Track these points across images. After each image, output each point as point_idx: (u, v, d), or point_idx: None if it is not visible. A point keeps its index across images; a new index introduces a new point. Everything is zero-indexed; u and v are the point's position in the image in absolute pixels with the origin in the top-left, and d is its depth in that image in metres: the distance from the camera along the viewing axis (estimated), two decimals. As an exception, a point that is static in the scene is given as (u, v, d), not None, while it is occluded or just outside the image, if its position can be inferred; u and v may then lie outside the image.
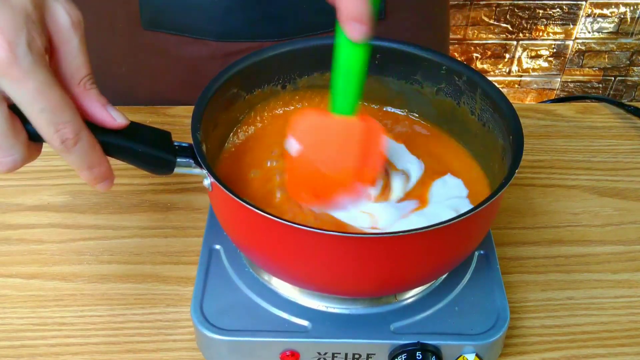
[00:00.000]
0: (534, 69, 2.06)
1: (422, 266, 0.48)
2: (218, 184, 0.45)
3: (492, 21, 1.94)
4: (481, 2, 1.90)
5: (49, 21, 0.40)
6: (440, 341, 0.50)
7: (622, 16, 1.94)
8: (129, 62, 0.80)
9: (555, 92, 2.12)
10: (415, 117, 0.62)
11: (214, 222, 0.59)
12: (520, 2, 1.90)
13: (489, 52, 2.02)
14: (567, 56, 2.03)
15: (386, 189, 0.53)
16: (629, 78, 2.09)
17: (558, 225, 0.68)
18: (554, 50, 2.02)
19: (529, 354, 0.56)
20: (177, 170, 0.47)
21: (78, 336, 0.56)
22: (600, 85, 2.11)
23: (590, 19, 1.94)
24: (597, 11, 1.93)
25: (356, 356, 0.51)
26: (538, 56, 2.03)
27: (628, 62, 2.05)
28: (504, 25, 1.95)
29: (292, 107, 0.61)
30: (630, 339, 0.57)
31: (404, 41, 0.57)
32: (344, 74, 0.47)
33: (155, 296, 0.59)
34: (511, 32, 1.97)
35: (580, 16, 1.94)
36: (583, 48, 2.01)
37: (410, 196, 0.54)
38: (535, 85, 2.11)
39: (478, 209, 0.44)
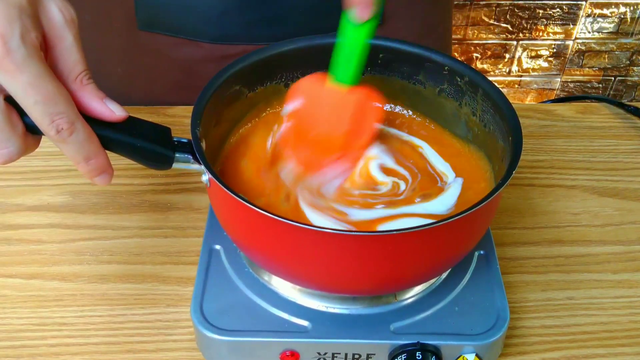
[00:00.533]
0: (534, 69, 2.06)
1: (421, 264, 0.48)
2: (215, 180, 0.45)
3: (492, 21, 1.94)
4: (481, 2, 1.90)
5: (43, 19, 0.41)
6: (440, 341, 0.50)
7: (622, 16, 1.94)
8: (125, 62, 0.80)
9: (555, 92, 2.12)
10: (418, 117, 0.62)
11: (214, 222, 0.59)
12: (520, 2, 1.90)
13: (489, 52, 2.02)
14: (567, 56, 2.03)
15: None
16: (629, 78, 2.09)
17: (558, 225, 0.68)
18: (554, 50, 2.02)
19: (529, 354, 0.56)
20: (175, 165, 0.47)
21: (78, 336, 0.56)
22: (600, 85, 2.11)
23: (590, 19, 1.94)
24: (597, 11, 1.93)
25: (356, 356, 0.51)
26: (538, 56, 2.03)
27: (628, 62, 2.05)
28: (504, 25, 1.95)
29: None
30: (630, 339, 0.57)
31: (407, 41, 0.57)
32: (347, 48, 0.51)
33: (155, 296, 0.59)
34: (511, 32, 1.97)
35: (580, 16, 1.94)
36: (583, 48, 2.01)
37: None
38: (535, 85, 2.10)
39: (472, 210, 0.44)
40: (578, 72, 2.08)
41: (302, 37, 0.57)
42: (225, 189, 0.44)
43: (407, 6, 0.77)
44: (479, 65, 2.03)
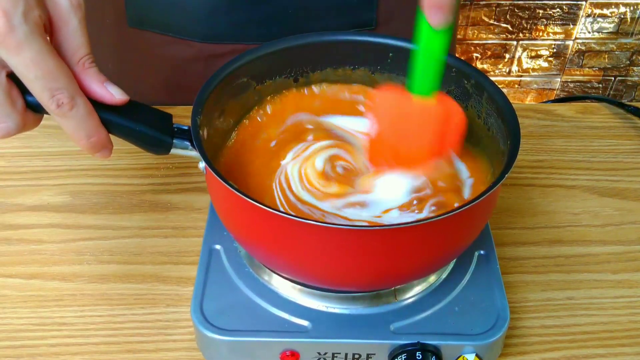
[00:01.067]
0: (534, 69, 2.06)
1: (418, 259, 0.48)
2: (209, 167, 0.46)
3: (492, 21, 1.94)
4: (481, 2, 1.90)
5: (49, 2, 0.42)
6: (440, 341, 0.50)
7: (622, 16, 1.94)
8: (115, 59, 0.81)
9: (555, 92, 2.12)
10: None
11: (214, 222, 0.59)
12: (520, 2, 1.90)
13: (489, 52, 2.02)
14: (567, 56, 2.03)
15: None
16: (629, 78, 2.09)
17: (558, 225, 0.68)
18: (554, 50, 2.02)
19: (529, 354, 0.56)
20: (173, 151, 0.48)
21: (78, 336, 0.56)
22: (600, 85, 2.11)
23: (590, 19, 1.94)
24: (597, 11, 1.93)
25: (356, 356, 0.51)
26: (538, 56, 2.03)
27: (628, 62, 2.05)
28: (504, 25, 1.95)
29: (302, 101, 0.61)
30: (630, 339, 0.57)
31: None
32: (423, 57, 0.49)
33: (155, 296, 0.59)
34: (511, 32, 1.97)
35: (580, 16, 1.94)
36: (583, 48, 2.01)
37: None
38: (535, 85, 2.10)
39: (457, 211, 0.44)
40: (578, 72, 2.08)
41: (313, 32, 0.57)
42: (219, 179, 0.45)
43: (412, 6, 0.77)
44: (479, 65, 2.03)
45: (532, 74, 2.08)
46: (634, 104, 0.82)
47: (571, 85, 2.11)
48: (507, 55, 2.03)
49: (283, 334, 0.51)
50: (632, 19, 1.95)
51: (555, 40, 1.99)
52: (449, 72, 0.57)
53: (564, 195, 0.71)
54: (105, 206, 0.68)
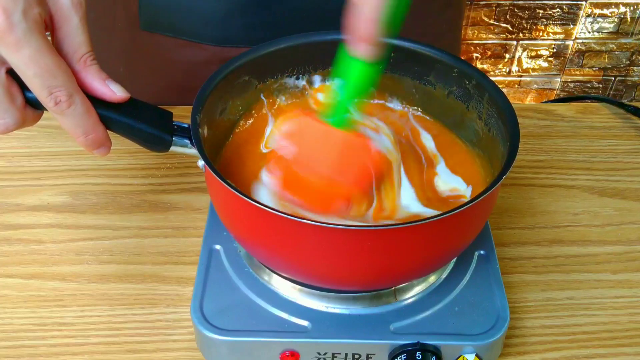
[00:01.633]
0: (534, 69, 2.06)
1: (417, 258, 0.48)
2: (208, 166, 0.46)
3: (492, 21, 1.94)
4: (481, 2, 1.90)
5: (49, 0, 0.42)
6: (440, 341, 0.50)
7: (622, 16, 1.94)
8: (127, 62, 0.80)
9: (555, 92, 2.12)
10: (428, 117, 0.62)
11: (214, 222, 0.59)
12: (520, 2, 1.90)
13: (489, 52, 2.02)
14: (567, 56, 2.03)
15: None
16: (629, 78, 2.09)
17: (558, 225, 0.68)
18: (554, 50, 2.02)
19: (529, 354, 0.56)
20: (173, 149, 0.48)
21: (78, 336, 0.56)
22: (600, 85, 2.11)
23: (590, 19, 1.94)
24: (597, 11, 1.93)
25: (356, 356, 0.51)
26: (538, 56, 2.03)
27: (628, 62, 2.05)
28: (504, 25, 1.95)
29: (304, 100, 0.61)
30: (630, 339, 0.57)
31: (418, 41, 0.57)
32: (345, 87, 0.48)
33: (155, 296, 0.59)
34: (511, 32, 1.97)
35: (580, 16, 1.94)
36: (583, 48, 2.01)
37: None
38: (535, 85, 2.10)
39: (459, 210, 0.44)
40: (578, 72, 2.08)
41: (315, 31, 0.57)
42: (216, 176, 0.45)
43: (412, 7, 0.77)
44: (479, 65, 2.03)
45: (532, 74, 2.08)
46: (634, 104, 0.82)
47: (571, 85, 2.11)
48: (507, 55, 2.03)
49: (283, 334, 0.51)
50: (632, 19, 1.95)
51: (555, 40, 1.99)
52: (451, 73, 0.57)
53: (564, 195, 0.71)
54: (105, 206, 0.68)
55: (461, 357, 0.51)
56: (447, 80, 0.58)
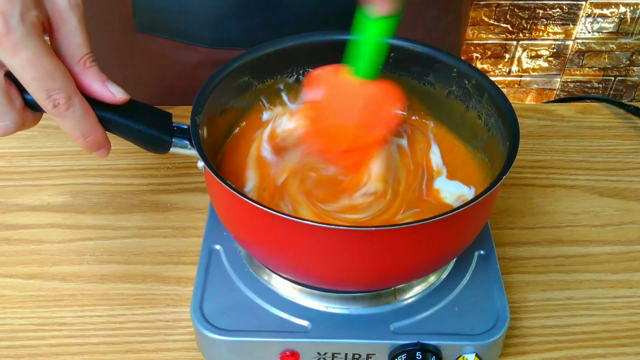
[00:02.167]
0: (534, 69, 2.06)
1: (417, 259, 0.48)
2: (208, 167, 0.46)
3: (492, 21, 1.94)
4: (481, 2, 1.90)
5: (47, 2, 0.42)
6: (440, 341, 0.50)
7: (622, 16, 1.94)
8: (122, 64, 0.80)
9: (555, 92, 2.12)
10: (428, 118, 0.62)
11: (214, 222, 0.59)
12: (520, 2, 1.90)
13: (489, 52, 2.02)
14: (567, 56, 2.03)
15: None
16: (629, 78, 2.09)
17: (558, 225, 0.68)
18: (554, 50, 2.02)
19: (529, 354, 0.56)
20: (173, 150, 0.48)
21: (78, 336, 0.56)
22: (600, 85, 2.11)
23: (590, 19, 1.94)
24: (597, 11, 1.93)
25: (356, 356, 0.51)
26: (538, 56, 2.03)
27: (628, 62, 2.05)
28: (504, 25, 1.95)
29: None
30: (630, 339, 0.57)
31: (418, 41, 0.57)
32: (364, 44, 0.50)
33: (155, 296, 0.59)
34: (511, 32, 1.97)
35: (580, 16, 1.94)
36: (583, 48, 2.01)
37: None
38: (535, 85, 2.10)
39: (460, 210, 0.44)
40: (578, 72, 2.08)
41: (315, 32, 0.57)
42: (215, 177, 0.45)
43: (412, 7, 0.77)
44: (479, 65, 2.03)
45: (532, 74, 2.08)
46: (634, 104, 0.82)
47: (571, 85, 2.11)
48: (507, 55, 2.03)
49: (283, 334, 0.51)
50: (632, 19, 1.95)
51: (555, 40, 1.99)
52: (450, 73, 0.57)
53: (564, 195, 0.71)
54: (105, 206, 0.68)
55: (461, 357, 0.51)
56: (447, 80, 0.58)
